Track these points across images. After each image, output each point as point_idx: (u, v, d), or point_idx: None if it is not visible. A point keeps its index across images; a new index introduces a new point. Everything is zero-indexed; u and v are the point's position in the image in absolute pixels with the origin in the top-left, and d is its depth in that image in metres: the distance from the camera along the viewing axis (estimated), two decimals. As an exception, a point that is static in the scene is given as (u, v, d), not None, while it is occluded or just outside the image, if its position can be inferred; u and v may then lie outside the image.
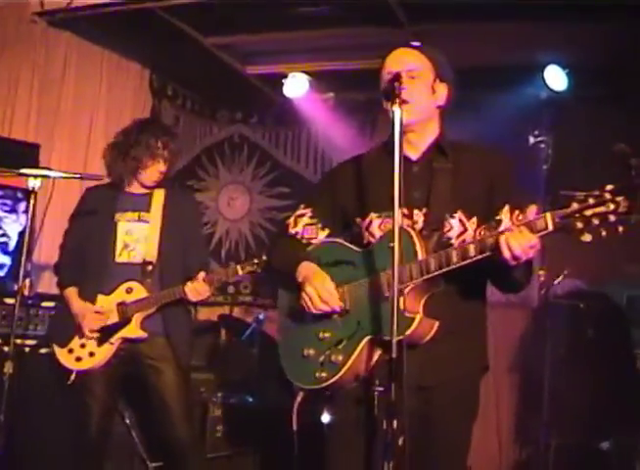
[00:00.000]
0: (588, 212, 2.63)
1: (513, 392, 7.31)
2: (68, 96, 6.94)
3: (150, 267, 4.67)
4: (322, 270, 3.18)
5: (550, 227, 2.71)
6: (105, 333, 4.60)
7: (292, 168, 8.89)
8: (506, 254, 2.76)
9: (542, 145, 7.15)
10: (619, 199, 2.58)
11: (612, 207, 2.60)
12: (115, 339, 4.60)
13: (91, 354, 4.59)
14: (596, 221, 2.62)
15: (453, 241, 3.10)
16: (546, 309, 6.79)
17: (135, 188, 4.81)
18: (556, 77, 7.07)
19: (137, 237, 4.72)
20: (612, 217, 2.60)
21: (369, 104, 8.31)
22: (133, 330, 4.61)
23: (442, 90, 3.25)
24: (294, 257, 3.29)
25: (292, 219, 3.43)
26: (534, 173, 7.06)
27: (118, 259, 4.69)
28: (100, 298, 4.64)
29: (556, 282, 6.61)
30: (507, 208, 3.04)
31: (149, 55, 7.68)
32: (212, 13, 6.66)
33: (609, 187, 2.61)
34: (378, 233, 3.19)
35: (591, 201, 2.63)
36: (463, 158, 3.21)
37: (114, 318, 4.62)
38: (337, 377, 3.05)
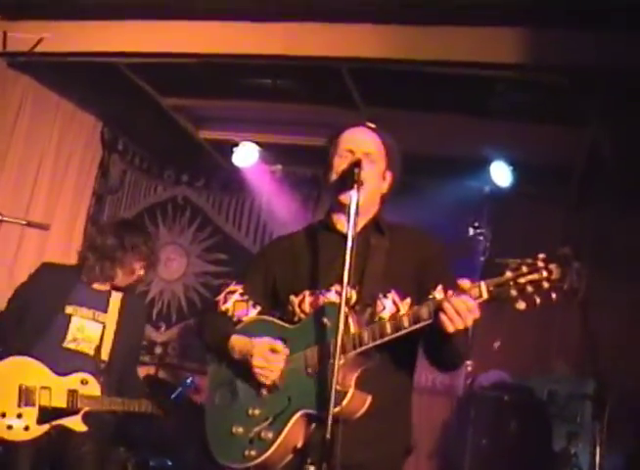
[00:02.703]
0: (522, 280, 2.66)
1: (432, 478, 7.32)
2: (18, 139, 6.89)
3: (103, 365, 4.67)
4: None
5: (485, 295, 2.73)
6: (47, 414, 4.50)
7: (232, 236, 8.90)
8: (446, 318, 2.74)
9: (481, 237, 7.29)
10: (552, 266, 2.64)
11: (545, 274, 2.64)
12: (56, 423, 4.51)
13: (26, 429, 4.45)
14: (530, 289, 2.65)
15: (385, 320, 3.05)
16: (471, 399, 6.87)
17: (97, 284, 4.81)
18: (501, 173, 7.25)
19: (88, 335, 4.70)
20: (545, 284, 2.64)
21: (314, 180, 8.44)
22: (77, 423, 4.55)
23: (389, 179, 3.32)
24: (224, 333, 3.23)
25: (222, 296, 3.38)
26: (471, 264, 7.18)
27: (66, 346, 4.64)
28: (52, 377, 4.55)
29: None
30: (440, 287, 3.04)
31: (104, 107, 7.70)
32: (173, 75, 6.72)
33: (542, 255, 2.67)
34: (309, 310, 3.15)
35: (525, 269, 2.66)
36: (398, 238, 3.24)
37: (61, 403, 4.53)
38: (266, 455, 2.95)
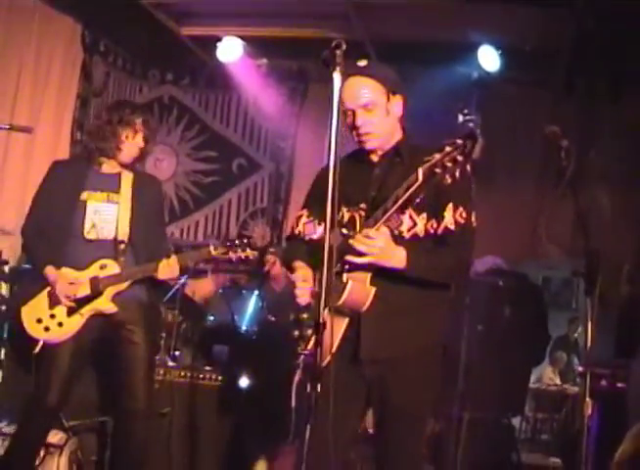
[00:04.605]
0: (446, 159, 2.98)
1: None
2: (-4, 46, 6.78)
3: (122, 246, 4.70)
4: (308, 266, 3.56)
5: (420, 179, 3.05)
6: (75, 305, 4.60)
7: (220, 132, 8.90)
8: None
9: (470, 124, 7.23)
10: (467, 142, 2.96)
11: (460, 149, 2.97)
12: (86, 310, 4.61)
13: (60, 325, 4.58)
14: (449, 164, 2.98)
15: (405, 234, 3.33)
16: (466, 285, 6.89)
17: (106, 168, 4.80)
18: (489, 58, 7.17)
19: (105, 217, 4.71)
20: (459, 157, 2.97)
21: (301, 72, 8.36)
22: (104, 302, 4.63)
23: (397, 104, 3.46)
24: (291, 258, 3.69)
25: (295, 221, 3.82)
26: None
27: (87, 236, 4.67)
28: (73, 272, 4.61)
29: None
30: (451, 205, 3.32)
31: (82, 9, 7.53)
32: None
33: (462, 134, 2.99)
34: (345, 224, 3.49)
35: (448, 148, 2.99)
36: (416, 160, 3.33)
37: (85, 291, 4.61)
38: (308, 350, 3.35)
